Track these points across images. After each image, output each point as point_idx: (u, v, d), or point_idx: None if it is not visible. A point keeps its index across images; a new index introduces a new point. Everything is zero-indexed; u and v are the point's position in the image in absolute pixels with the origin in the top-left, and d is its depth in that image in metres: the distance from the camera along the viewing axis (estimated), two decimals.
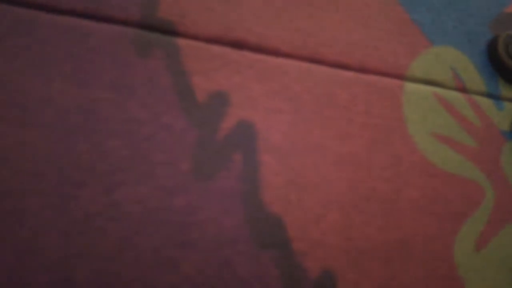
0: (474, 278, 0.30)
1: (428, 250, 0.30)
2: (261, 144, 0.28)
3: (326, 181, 0.29)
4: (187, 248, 0.25)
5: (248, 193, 0.27)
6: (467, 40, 0.38)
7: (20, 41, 0.26)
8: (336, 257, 0.27)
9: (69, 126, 0.25)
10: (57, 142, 0.25)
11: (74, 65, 0.26)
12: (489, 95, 0.37)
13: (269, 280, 0.25)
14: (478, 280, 0.30)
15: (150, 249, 0.24)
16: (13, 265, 0.22)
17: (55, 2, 0.27)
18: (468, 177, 0.33)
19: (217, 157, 0.27)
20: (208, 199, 0.26)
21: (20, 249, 0.22)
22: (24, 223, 0.23)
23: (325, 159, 0.29)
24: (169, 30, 0.29)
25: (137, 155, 0.26)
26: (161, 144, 0.26)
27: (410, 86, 0.34)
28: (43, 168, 0.24)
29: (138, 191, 0.25)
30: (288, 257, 0.26)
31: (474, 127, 0.35)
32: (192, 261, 0.24)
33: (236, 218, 0.26)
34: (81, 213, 0.24)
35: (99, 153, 0.25)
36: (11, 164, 0.24)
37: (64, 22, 0.27)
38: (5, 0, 0.26)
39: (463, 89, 0.36)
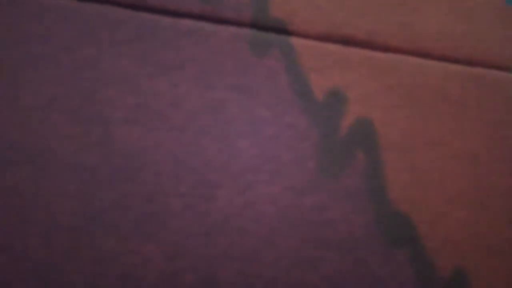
0: None
1: None
2: (381, 141, 0.28)
3: (448, 177, 0.28)
4: (323, 247, 0.24)
5: (374, 191, 0.26)
6: None
7: (146, 45, 0.26)
8: (466, 255, 0.27)
9: (199, 128, 0.25)
10: (190, 144, 0.25)
11: (197, 67, 0.27)
12: None
13: (404, 279, 0.25)
14: None
15: (290, 249, 0.24)
16: (162, 265, 0.22)
17: (174, 6, 0.28)
18: None
19: (341, 155, 0.27)
20: (336, 197, 0.26)
21: (168, 250, 0.23)
22: (168, 225, 0.23)
23: (445, 155, 0.29)
24: (281, 29, 0.29)
25: (265, 154, 0.26)
26: (286, 144, 0.26)
27: None
28: (179, 170, 0.24)
29: (270, 191, 0.25)
30: (421, 255, 0.26)
31: None
32: (330, 261, 0.24)
33: (366, 216, 0.26)
34: (220, 214, 0.24)
35: (230, 153, 0.25)
36: (151, 167, 0.24)
37: (185, 25, 0.27)
38: (130, 6, 0.27)
39: None
